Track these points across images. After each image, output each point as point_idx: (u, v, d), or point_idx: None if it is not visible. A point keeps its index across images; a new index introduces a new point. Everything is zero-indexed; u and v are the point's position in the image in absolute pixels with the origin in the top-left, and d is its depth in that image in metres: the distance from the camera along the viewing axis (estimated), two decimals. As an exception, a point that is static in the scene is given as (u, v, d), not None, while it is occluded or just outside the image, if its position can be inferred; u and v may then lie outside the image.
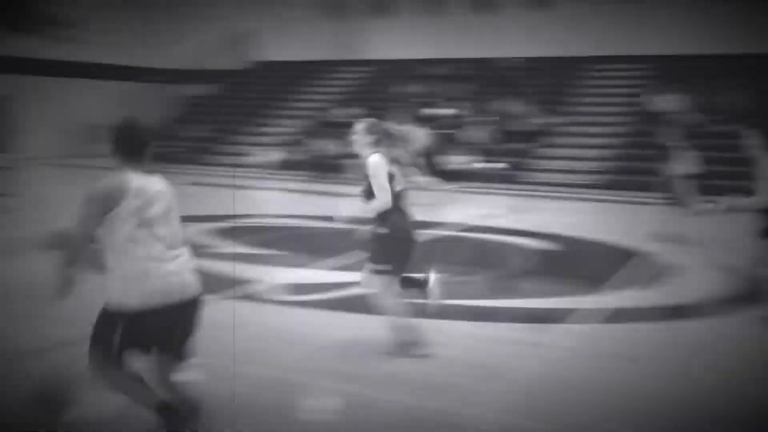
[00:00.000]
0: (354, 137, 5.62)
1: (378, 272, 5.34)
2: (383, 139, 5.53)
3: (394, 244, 5.36)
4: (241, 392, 4.68)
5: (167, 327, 3.62)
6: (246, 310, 6.76)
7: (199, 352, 4.03)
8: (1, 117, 23.68)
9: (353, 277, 8.07)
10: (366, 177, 5.37)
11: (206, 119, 25.44)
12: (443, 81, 22.78)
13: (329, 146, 19.64)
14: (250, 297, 7.21)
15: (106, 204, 3.52)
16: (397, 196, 5.36)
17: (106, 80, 26.39)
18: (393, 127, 5.86)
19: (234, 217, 12.39)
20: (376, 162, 5.33)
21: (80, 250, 3.55)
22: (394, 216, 5.36)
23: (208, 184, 17.90)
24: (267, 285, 7.68)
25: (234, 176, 19.64)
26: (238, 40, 27.83)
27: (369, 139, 5.51)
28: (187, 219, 10.82)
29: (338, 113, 15.70)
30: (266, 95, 26.05)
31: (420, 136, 15.25)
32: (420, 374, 5.11)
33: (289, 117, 24.53)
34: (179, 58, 28.49)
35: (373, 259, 5.40)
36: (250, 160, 21.44)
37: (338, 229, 11.66)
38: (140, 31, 27.89)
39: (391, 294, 5.38)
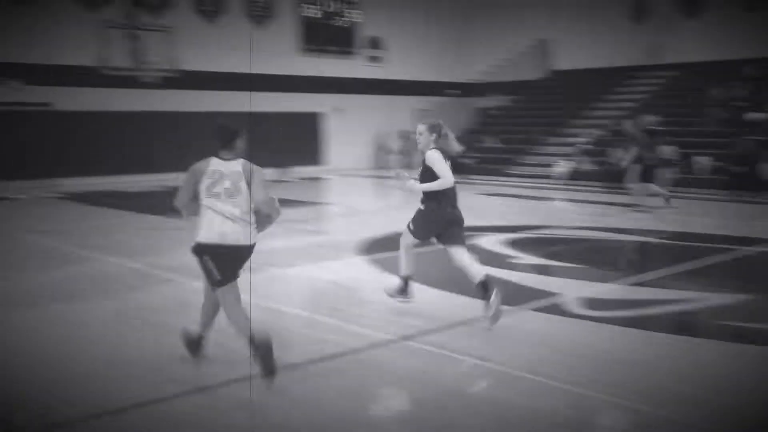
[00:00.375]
0: (418, 136, 6.74)
1: (408, 228, 6.83)
2: (441, 138, 6.65)
3: (423, 218, 6.73)
4: (540, 407, 4.63)
5: (222, 257, 5.22)
6: (542, 322, 6.68)
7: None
8: (316, 132, 26.11)
9: (654, 294, 7.66)
10: (424, 167, 6.59)
11: (501, 130, 25.79)
12: (756, 82, 20.77)
13: (624, 155, 18.78)
14: (548, 310, 7.10)
15: (193, 178, 5.21)
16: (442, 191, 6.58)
17: (406, 95, 27.92)
18: (447, 127, 6.80)
19: (531, 227, 12.37)
20: (434, 155, 6.54)
21: (184, 206, 5.36)
22: (435, 200, 6.61)
23: (504, 195, 18.09)
24: (566, 298, 7.52)
25: (530, 186, 19.64)
26: (533, 51, 27.88)
27: (431, 137, 6.65)
28: (484, 229, 11.00)
29: (642, 120, 14.87)
30: (560, 105, 25.69)
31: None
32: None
33: (584, 126, 23.96)
34: (474, 71, 29.35)
35: (411, 221, 6.82)
36: (548, 170, 21.31)
37: (635, 242, 11.28)
38: (435, 49, 29.15)
39: (407, 246, 6.93)
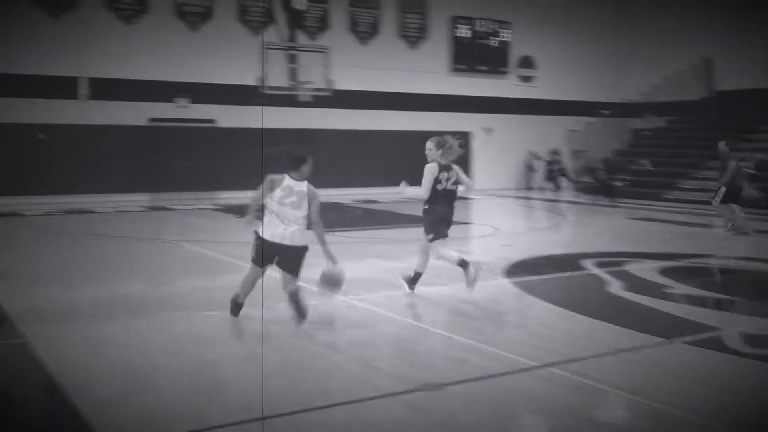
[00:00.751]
0: (428, 152, 8.13)
1: (430, 240, 8.09)
2: (446, 152, 8.08)
3: (426, 219, 8.08)
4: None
5: (277, 254, 6.96)
6: (696, 357, 6.27)
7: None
8: (464, 152, 26.05)
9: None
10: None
11: (655, 152, 24.73)
12: None
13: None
14: (703, 344, 6.64)
15: (269, 187, 6.86)
16: (439, 192, 8.06)
17: (556, 115, 27.40)
18: (453, 141, 8.21)
19: (687, 256, 11.72)
20: (428, 167, 8.04)
21: (254, 209, 7.02)
22: (433, 203, 8.06)
23: (658, 220, 17.28)
24: (724, 333, 7.03)
25: (687, 212, 18.68)
26: (694, 70, 26.62)
27: (438, 152, 8.07)
28: (637, 256, 10.54)
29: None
30: (722, 126, 24.29)
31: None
32: None
33: (747, 150, 22.51)
34: (630, 91, 28.42)
35: (425, 230, 8.13)
36: (707, 195, 20.16)
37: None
38: (587, 68, 28.44)
39: (442, 247, 8.15)
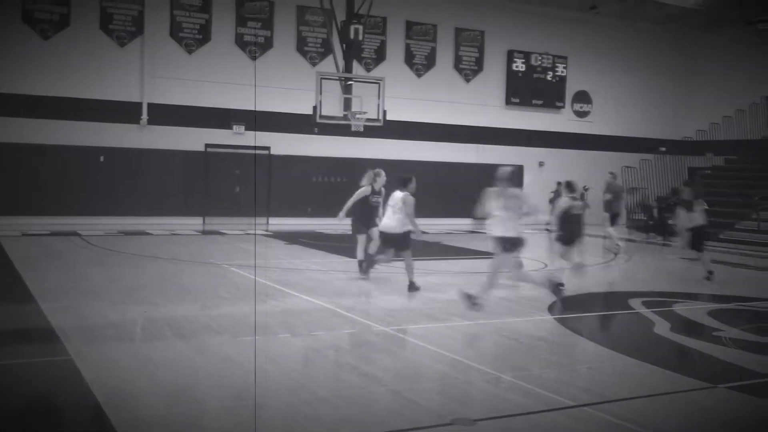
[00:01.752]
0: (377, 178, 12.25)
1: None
2: (378, 179, 12.18)
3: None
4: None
5: (386, 240, 11.20)
6: (737, 403, 6.10)
7: None
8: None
9: None
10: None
11: (712, 191, 24.23)
12: None
13: None
14: (748, 390, 6.46)
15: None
16: (367, 209, 12.20)
17: (609, 151, 27.12)
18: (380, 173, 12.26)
19: (742, 299, 11.43)
20: (359, 191, 12.14)
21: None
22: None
23: (714, 261, 16.88)
24: (772, 380, 6.83)
25: (745, 254, 18.23)
26: (757, 108, 26.10)
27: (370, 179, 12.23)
28: (689, 297, 10.32)
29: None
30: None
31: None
32: None
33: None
34: (688, 128, 28.02)
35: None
36: (766, 237, 19.68)
37: None
38: (644, 105, 28.15)
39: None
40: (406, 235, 10.93)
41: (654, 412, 5.74)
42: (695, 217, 12.98)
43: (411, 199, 10.88)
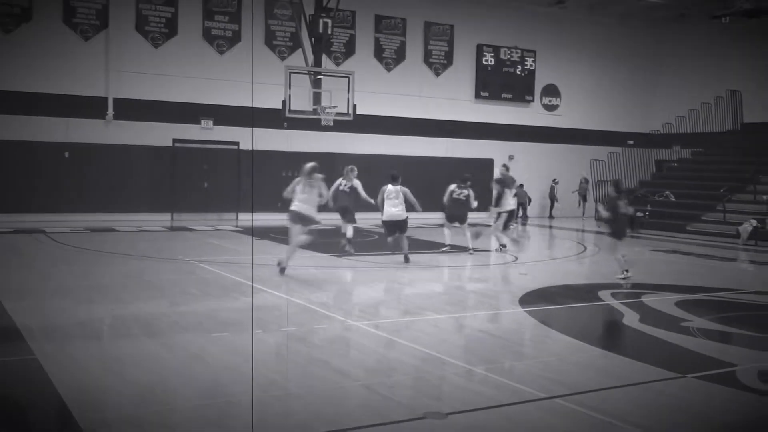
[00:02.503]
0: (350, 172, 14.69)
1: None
2: (351, 173, 14.63)
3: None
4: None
5: (392, 226, 13.58)
6: (702, 392, 6.17)
7: None
8: (485, 179, 26.01)
9: None
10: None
11: (680, 184, 24.55)
12: None
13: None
14: (714, 379, 6.53)
15: (384, 191, 13.78)
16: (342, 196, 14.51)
17: (579, 144, 27.36)
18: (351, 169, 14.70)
19: (709, 290, 11.58)
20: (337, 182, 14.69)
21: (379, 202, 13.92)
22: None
23: (681, 252, 17.11)
24: (738, 369, 6.91)
25: (711, 245, 18.49)
26: (721, 102, 26.47)
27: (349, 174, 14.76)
28: (656, 288, 10.44)
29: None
30: (750, 159, 24.09)
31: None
32: None
33: (774, 183, 22.27)
34: (656, 122, 28.35)
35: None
36: (732, 228, 19.98)
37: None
38: (613, 98, 28.41)
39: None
40: (407, 220, 13.65)
41: (624, 402, 5.78)
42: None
43: (407, 189, 13.66)
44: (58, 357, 6.57)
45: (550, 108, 27.48)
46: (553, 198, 27.04)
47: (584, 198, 27.06)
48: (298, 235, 11.61)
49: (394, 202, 13.52)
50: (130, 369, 6.32)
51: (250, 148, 21.72)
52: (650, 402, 5.81)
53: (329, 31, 19.98)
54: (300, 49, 20.67)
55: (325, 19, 19.56)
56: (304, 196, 11.60)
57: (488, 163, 25.77)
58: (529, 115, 26.94)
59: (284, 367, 6.69)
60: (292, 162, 22.28)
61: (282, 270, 11.51)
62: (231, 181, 21.53)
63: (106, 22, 20.22)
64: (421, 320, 8.55)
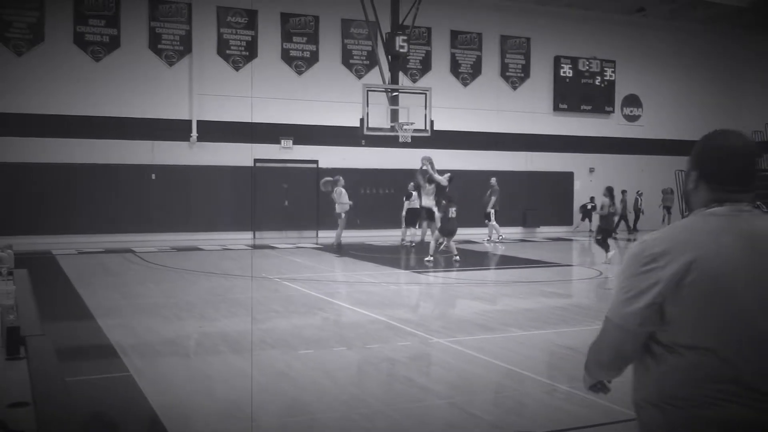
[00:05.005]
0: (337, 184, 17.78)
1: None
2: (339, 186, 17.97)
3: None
4: None
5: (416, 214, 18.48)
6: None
7: None
8: (565, 192, 25.60)
9: None
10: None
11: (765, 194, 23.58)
12: None
13: None
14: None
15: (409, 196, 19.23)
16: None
17: (660, 155, 26.65)
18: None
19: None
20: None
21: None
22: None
23: None
24: None
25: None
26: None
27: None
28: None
29: None
30: None
31: None
32: None
33: None
34: (742, 129, 27.36)
35: None
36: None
37: None
38: (699, 107, 27.58)
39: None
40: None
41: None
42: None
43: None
44: (151, 373, 6.76)
45: (632, 119, 26.88)
46: (638, 210, 26.36)
47: (668, 210, 26.29)
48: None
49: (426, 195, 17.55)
50: (218, 385, 6.45)
51: (328, 166, 21.98)
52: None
53: (405, 49, 20.06)
54: (377, 67, 20.84)
55: (401, 37, 19.66)
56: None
57: (569, 177, 25.39)
58: (610, 126, 26.40)
59: (368, 383, 6.70)
60: (371, 179, 22.48)
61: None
62: (311, 199, 21.82)
63: (190, 47, 20.87)
64: (503, 336, 8.44)
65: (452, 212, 16.06)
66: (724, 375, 2.05)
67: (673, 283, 2.06)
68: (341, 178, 18.29)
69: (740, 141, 2.36)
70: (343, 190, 17.99)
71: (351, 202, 18.07)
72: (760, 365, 2.04)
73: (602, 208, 15.34)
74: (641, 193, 26.37)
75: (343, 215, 18.04)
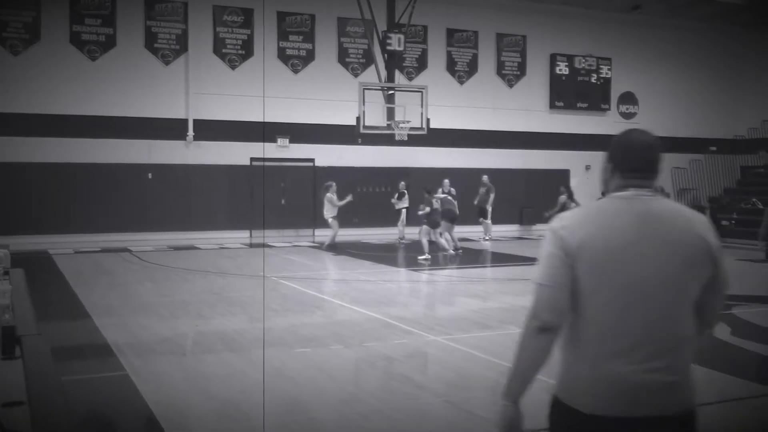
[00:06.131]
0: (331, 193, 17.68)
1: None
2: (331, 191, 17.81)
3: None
4: None
5: (450, 213, 16.92)
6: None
7: None
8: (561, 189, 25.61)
9: None
10: None
11: (764, 191, 23.63)
12: None
13: None
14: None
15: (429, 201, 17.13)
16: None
17: (663, 152, 26.62)
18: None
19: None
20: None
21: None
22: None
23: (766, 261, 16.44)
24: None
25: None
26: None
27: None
28: (746, 299, 10.02)
29: None
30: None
31: None
32: None
33: None
34: (741, 127, 27.41)
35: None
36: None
37: None
38: (693, 104, 27.60)
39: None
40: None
41: (719, 418, 5.55)
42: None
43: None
44: (147, 372, 6.74)
45: (628, 116, 26.88)
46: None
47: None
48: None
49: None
50: (215, 384, 6.44)
51: (325, 165, 21.95)
52: (746, 418, 5.57)
53: (401, 47, 20.07)
54: (373, 66, 20.82)
55: (398, 35, 19.67)
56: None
57: (565, 174, 25.37)
58: (606, 123, 26.37)
59: (365, 382, 6.69)
60: (367, 178, 22.46)
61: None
62: (307, 198, 21.80)
63: (186, 46, 20.82)
64: (500, 334, 8.44)
65: (435, 203, 16.46)
66: (609, 335, 2.44)
67: (575, 249, 2.47)
68: (333, 183, 18.27)
69: (643, 137, 2.77)
70: (333, 196, 17.96)
71: (341, 203, 17.96)
72: (645, 329, 2.41)
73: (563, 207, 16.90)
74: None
75: (330, 219, 18.00)
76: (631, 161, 2.67)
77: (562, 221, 2.59)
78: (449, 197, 17.41)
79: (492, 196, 20.77)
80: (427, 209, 16.26)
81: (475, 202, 20.84)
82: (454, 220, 16.99)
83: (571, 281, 2.48)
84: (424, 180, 20.33)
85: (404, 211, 20.07)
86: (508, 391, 2.69)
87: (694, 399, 2.50)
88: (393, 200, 19.78)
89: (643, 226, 2.49)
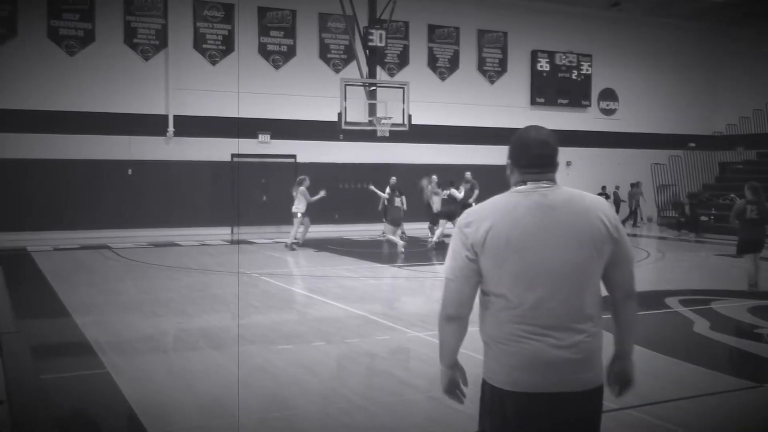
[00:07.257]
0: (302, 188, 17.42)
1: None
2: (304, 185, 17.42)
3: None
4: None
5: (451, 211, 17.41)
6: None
7: None
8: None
9: None
10: None
11: (743, 186, 23.84)
12: None
13: None
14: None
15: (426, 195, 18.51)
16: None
17: (638, 148, 26.84)
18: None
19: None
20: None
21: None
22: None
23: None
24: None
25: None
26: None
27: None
28: (726, 294, 10.13)
29: None
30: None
31: None
32: None
33: None
34: (719, 124, 27.66)
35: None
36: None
37: None
38: (675, 101, 27.81)
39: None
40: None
41: (697, 412, 5.61)
42: None
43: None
44: (128, 370, 6.70)
45: (608, 112, 27.05)
46: (618, 203, 26.53)
47: (637, 202, 26.44)
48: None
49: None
50: (198, 381, 6.41)
51: (306, 161, 21.89)
52: (724, 412, 5.63)
53: (383, 43, 20.04)
54: (354, 62, 20.79)
55: (379, 31, 19.64)
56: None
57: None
58: (587, 120, 26.55)
59: (348, 378, 6.69)
60: (349, 174, 22.43)
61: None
62: (289, 194, 21.73)
63: (166, 41, 20.67)
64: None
65: (399, 201, 16.78)
66: (518, 317, 2.68)
67: (480, 243, 2.69)
68: (306, 177, 17.86)
69: (537, 134, 2.95)
70: (306, 191, 17.48)
71: (314, 199, 17.52)
72: (550, 310, 2.64)
73: None
74: (618, 187, 26.54)
75: (299, 215, 17.53)
76: (527, 158, 2.84)
77: (466, 218, 2.79)
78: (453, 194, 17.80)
79: (476, 192, 20.69)
80: (460, 194, 17.39)
81: (459, 198, 20.72)
82: (452, 217, 16.78)
83: (477, 273, 2.74)
84: (406, 176, 20.38)
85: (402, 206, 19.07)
86: (441, 360, 3.13)
87: (601, 376, 2.77)
88: (385, 194, 18.24)
89: (540, 215, 2.69)
